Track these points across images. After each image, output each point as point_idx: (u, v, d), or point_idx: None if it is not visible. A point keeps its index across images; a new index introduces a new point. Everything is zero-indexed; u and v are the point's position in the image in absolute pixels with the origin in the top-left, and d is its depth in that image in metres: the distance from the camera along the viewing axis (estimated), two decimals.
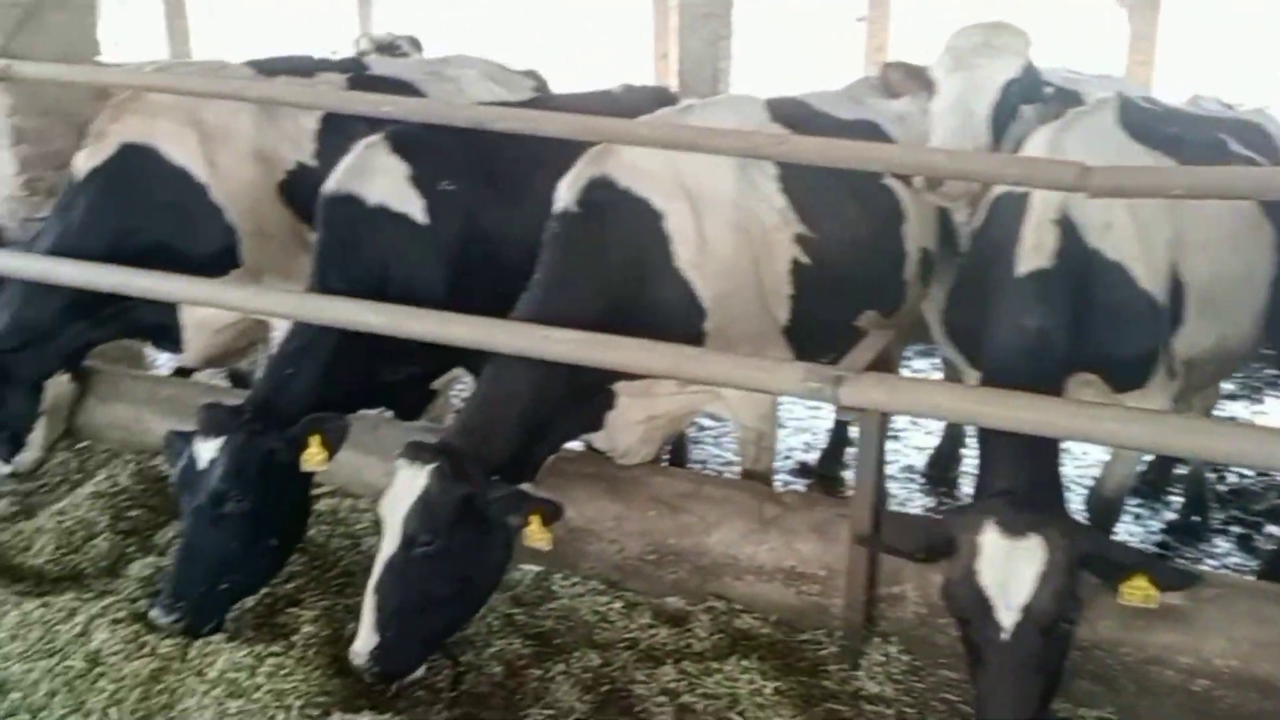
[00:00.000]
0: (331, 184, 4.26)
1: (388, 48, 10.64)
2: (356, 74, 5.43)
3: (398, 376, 4.47)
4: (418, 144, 4.34)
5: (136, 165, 4.77)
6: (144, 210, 4.76)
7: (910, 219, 4.55)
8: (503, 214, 4.42)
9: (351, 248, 4.21)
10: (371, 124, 5.05)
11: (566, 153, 4.16)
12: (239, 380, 5.92)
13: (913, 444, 6.49)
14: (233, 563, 3.64)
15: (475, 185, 4.38)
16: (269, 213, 4.99)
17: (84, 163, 4.78)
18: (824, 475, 6.02)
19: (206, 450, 3.64)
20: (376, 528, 4.38)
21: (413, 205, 4.26)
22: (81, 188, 4.76)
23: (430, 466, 3.39)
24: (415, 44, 10.83)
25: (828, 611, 3.87)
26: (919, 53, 5.53)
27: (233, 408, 3.80)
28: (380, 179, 4.25)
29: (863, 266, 4.38)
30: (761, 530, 3.93)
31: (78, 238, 4.71)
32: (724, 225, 3.97)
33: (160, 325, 5.02)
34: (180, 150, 4.78)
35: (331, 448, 3.74)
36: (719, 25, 8.11)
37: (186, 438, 3.82)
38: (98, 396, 5.23)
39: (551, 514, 3.43)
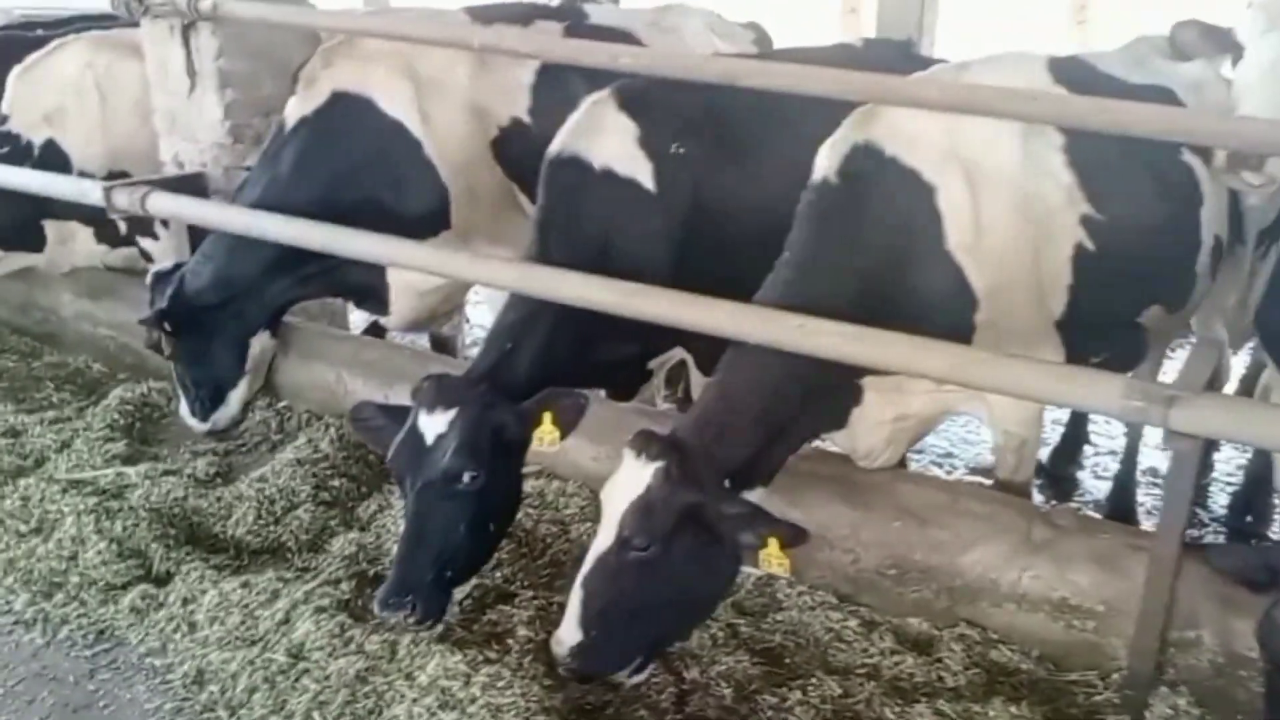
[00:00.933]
0: (556, 145, 3.91)
1: None
2: (575, 22, 5.06)
3: (615, 355, 4.13)
4: (647, 101, 3.95)
5: (349, 115, 4.52)
6: (354, 164, 4.52)
7: (1208, 201, 3.91)
8: (736, 181, 4.00)
9: (574, 215, 3.86)
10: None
11: (810, 114, 3.70)
12: (440, 345, 5.69)
13: None
14: (461, 545, 3.36)
15: (706, 148, 3.96)
16: (481, 172, 4.69)
17: (294, 110, 4.57)
18: (1055, 475, 5.44)
19: (435, 424, 3.35)
20: (585, 513, 4.13)
21: (641, 170, 3.87)
22: (290, 137, 4.55)
23: (656, 465, 3.04)
24: None
25: (1100, 651, 3.38)
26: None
27: (466, 379, 3.52)
28: (607, 140, 3.87)
29: (1153, 254, 3.78)
30: (1029, 554, 3.44)
31: (285, 190, 4.51)
32: (1004, 203, 3.44)
33: (365, 285, 4.81)
34: (395, 101, 4.50)
35: (566, 426, 3.43)
36: None
37: (389, 411, 3.57)
38: (299, 354, 5.08)
39: (793, 538, 3.03)
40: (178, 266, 4.74)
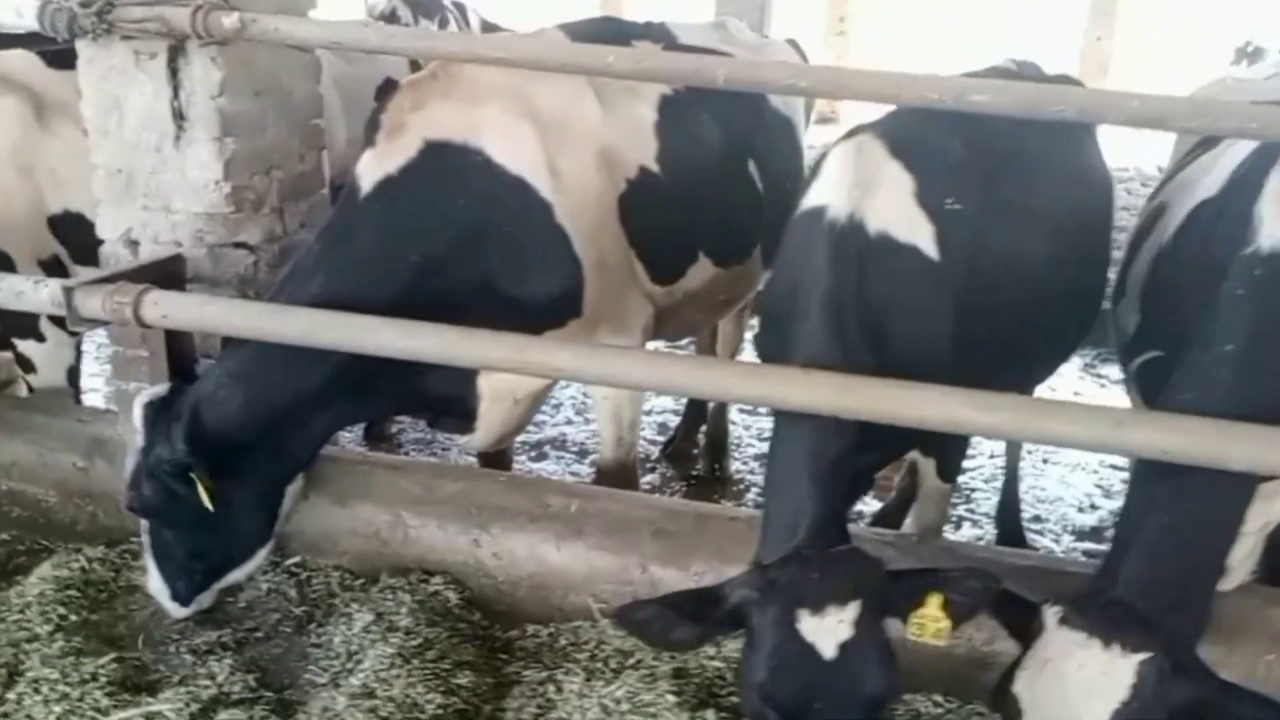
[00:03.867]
0: (814, 202, 2.96)
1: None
2: (669, 43, 4.08)
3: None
4: (917, 145, 3.07)
5: (450, 172, 3.30)
6: (459, 237, 3.31)
7: None
8: (1007, 240, 3.22)
9: (846, 295, 2.90)
10: (716, 115, 3.82)
11: (1072, 152, 2.99)
12: (491, 460, 4.40)
13: None
14: None
15: (975, 202, 3.14)
16: (610, 238, 3.59)
17: (371, 168, 3.29)
18: None
19: (830, 628, 2.30)
20: None
21: (922, 233, 2.99)
22: (367, 204, 3.27)
23: (1140, 658, 2.28)
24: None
25: None
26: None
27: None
28: (882, 196, 2.95)
29: None
30: None
31: (359, 279, 3.24)
32: None
33: (448, 396, 3.57)
34: (514, 151, 3.33)
35: (958, 617, 2.47)
36: None
37: (680, 604, 2.49)
38: (326, 490, 3.71)
39: None
40: (178, 392, 3.31)
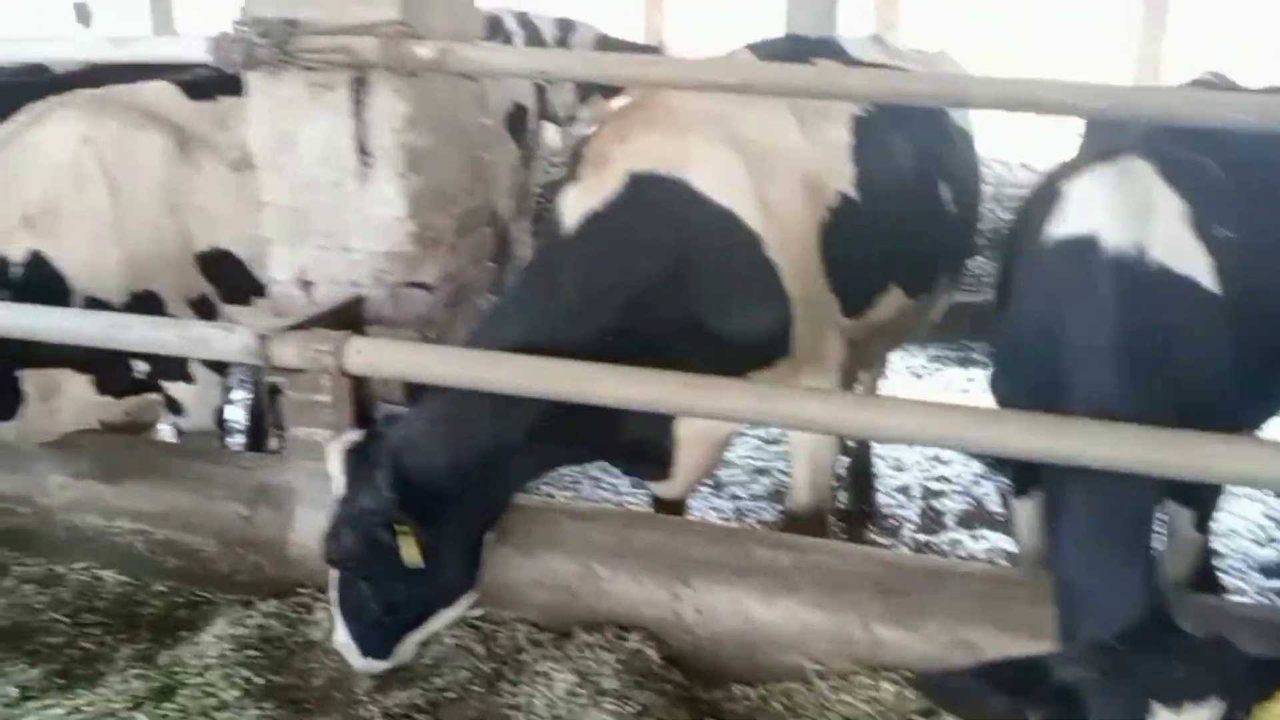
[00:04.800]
0: (1071, 229, 2.73)
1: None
2: (847, 59, 3.88)
3: None
4: (1186, 168, 2.83)
5: (656, 206, 3.11)
6: (664, 273, 3.11)
7: None
8: (1275, 271, 2.96)
9: (1117, 334, 2.66)
10: (909, 135, 3.63)
11: None
12: None
13: None
14: None
15: (1243, 229, 2.89)
16: (813, 270, 3.38)
17: (575, 203, 3.11)
18: None
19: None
20: None
21: (1199, 264, 2.75)
22: (573, 242, 3.08)
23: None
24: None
25: None
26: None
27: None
28: (1158, 225, 2.72)
29: None
30: None
31: (563, 320, 3.05)
32: None
33: (646, 442, 3.37)
34: (722, 183, 3.13)
35: None
36: None
37: (998, 673, 2.24)
38: (512, 542, 3.52)
39: None
40: (374, 438, 3.14)
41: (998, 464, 5.71)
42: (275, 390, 5.19)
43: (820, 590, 3.18)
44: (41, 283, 3.88)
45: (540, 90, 5.54)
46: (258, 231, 4.19)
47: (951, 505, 5.33)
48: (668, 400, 2.70)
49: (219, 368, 4.30)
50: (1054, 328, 2.66)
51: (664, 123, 3.15)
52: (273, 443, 4.58)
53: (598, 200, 3.08)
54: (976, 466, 5.73)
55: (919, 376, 7.03)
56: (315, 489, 3.68)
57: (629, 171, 3.09)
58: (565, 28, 8.99)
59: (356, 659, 3.26)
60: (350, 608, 3.21)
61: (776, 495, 5.43)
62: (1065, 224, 2.76)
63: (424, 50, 3.05)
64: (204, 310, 4.26)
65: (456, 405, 3.02)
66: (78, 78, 4.73)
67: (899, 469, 5.74)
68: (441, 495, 3.05)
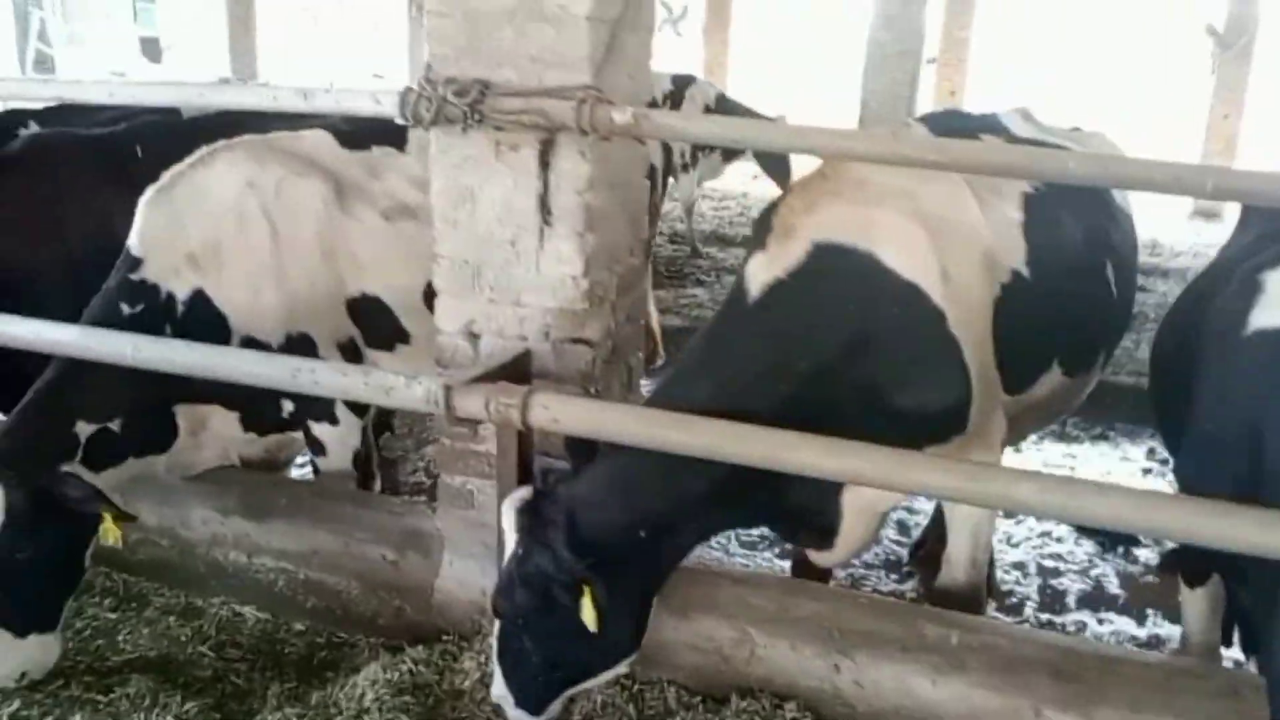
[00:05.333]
0: (1268, 317, 2.72)
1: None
2: (1007, 135, 3.90)
3: None
4: None
5: (841, 276, 3.13)
6: (848, 343, 3.12)
7: None
8: None
9: None
10: (1074, 213, 3.64)
11: None
12: None
13: None
14: None
15: None
16: (987, 347, 3.37)
17: (760, 271, 3.14)
18: None
19: None
20: None
21: None
22: (756, 310, 3.11)
23: None
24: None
25: None
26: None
27: None
28: None
29: None
30: None
31: (744, 386, 3.07)
32: None
33: (812, 510, 3.36)
34: (907, 255, 3.15)
35: None
36: None
37: None
38: (666, 604, 3.50)
39: None
40: (549, 493, 3.15)
41: (1111, 544, 5.66)
42: (380, 432, 5.28)
43: (991, 671, 3.14)
44: (204, 321, 3.96)
45: (668, 150, 5.62)
46: (408, 280, 4.32)
47: (1071, 584, 5.24)
48: (869, 473, 2.68)
49: (360, 410, 4.35)
50: (1260, 419, 2.63)
51: (850, 195, 3.18)
52: (376, 484, 4.62)
53: (783, 269, 3.11)
54: (1088, 546, 5.65)
55: (1019, 451, 6.95)
56: (466, 538, 3.74)
57: (815, 242, 3.12)
58: (681, 83, 9.06)
59: (512, 710, 3.26)
60: (511, 662, 3.21)
61: (890, 564, 5.39)
62: (1271, 315, 2.74)
63: (619, 115, 3.10)
64: (351, 354, 4.32)
65: (637, 465, 3.03)
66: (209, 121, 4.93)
67: (1011, 544, 5.67)
68: (617, 556, 3.05)
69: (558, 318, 3.49)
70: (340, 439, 4.32)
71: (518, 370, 3.43)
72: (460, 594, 3.79)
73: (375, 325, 4.33)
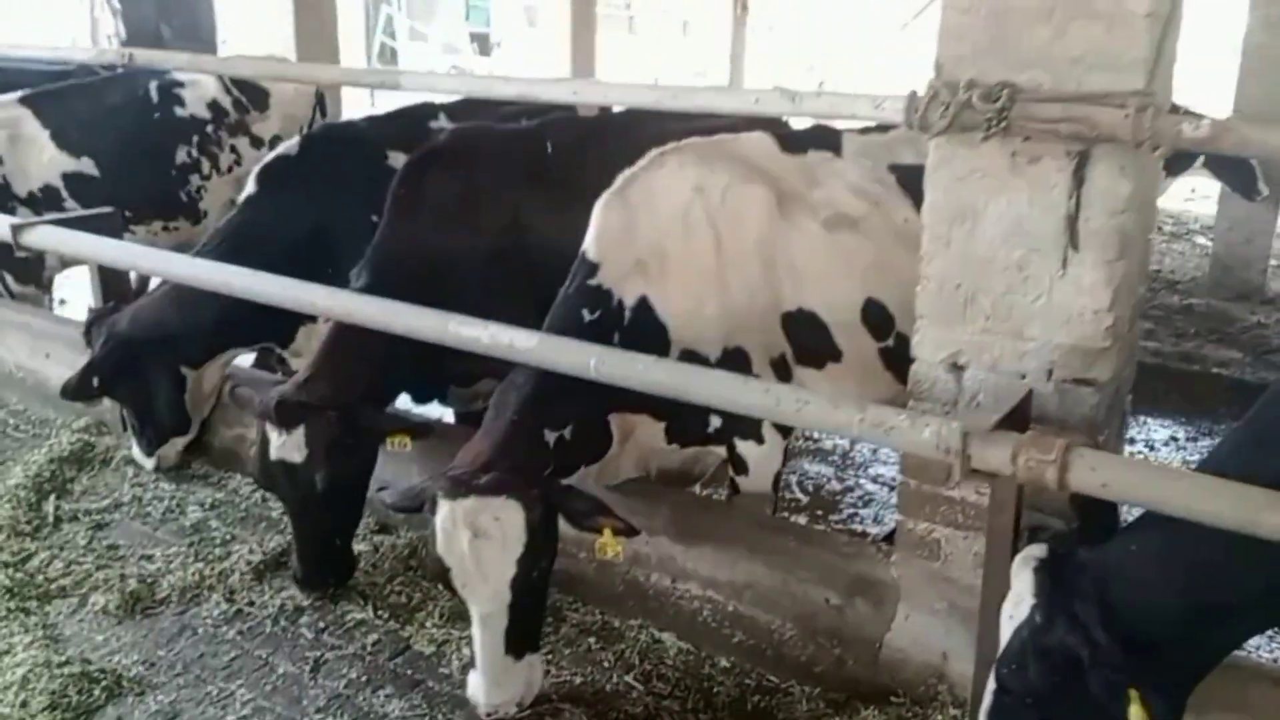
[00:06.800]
0: None
1: None
2: None
3: None
4: None
5: None
6: None
7: None
8: None
9: None
10: None
11: None
12: None
13: None
14: None
15: None
16: None
17: None
18: None
19: None
20: None
21: None
22: None
23: None
24: None
25: None
26: None
27: None
28: None
29: None
30: None
31: None
32: None
33: None
34: None
35: None
36: None
37: None
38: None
39: None
40: (1072, 559, 2.71)
41: None
42: None
43: None
44: (646, 330, 3.80)
45: None
46: (847, 296, 4.00)
47: None
48: None
49: (786, 431, 4.09)
50: None
51: None
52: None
53: None
54: None
55: None
56: (928, 592, 3.38)
57: None
58: None
59: None
60: None
61: None
62: None
63: (1192, 129, 2.61)
64: (780, 371, 4.05)
65: (1208, 542, 2.53)
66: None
67: None
68: (1158, 642, 2.58)
69: (1067, 355, 3.05)
70: (765, 458, 4.07)
71: (1023, 414, 3.02)
72: (914, 653, 3.43)
73: (808, 342, 4.05)
